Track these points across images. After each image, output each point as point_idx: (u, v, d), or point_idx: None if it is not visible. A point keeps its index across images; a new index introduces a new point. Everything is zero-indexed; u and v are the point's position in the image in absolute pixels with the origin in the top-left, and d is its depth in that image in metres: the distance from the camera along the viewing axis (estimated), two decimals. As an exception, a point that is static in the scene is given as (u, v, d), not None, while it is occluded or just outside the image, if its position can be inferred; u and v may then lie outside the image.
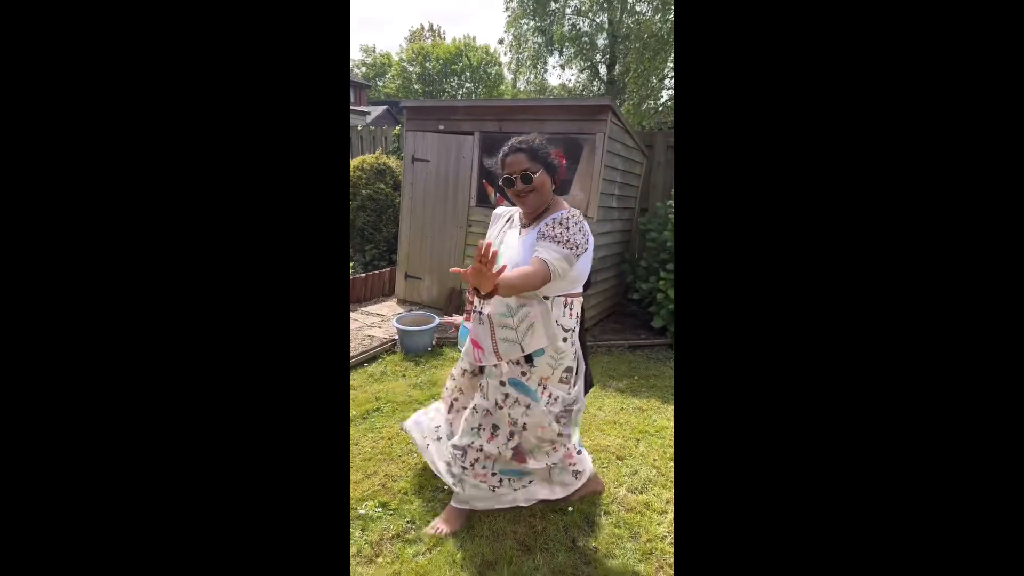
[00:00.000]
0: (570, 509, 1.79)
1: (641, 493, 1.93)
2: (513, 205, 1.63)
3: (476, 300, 1.59)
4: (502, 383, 1.58)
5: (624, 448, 2.27)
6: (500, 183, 1.53)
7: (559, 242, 1.42)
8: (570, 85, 16.40)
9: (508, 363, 1.56)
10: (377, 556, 1.57)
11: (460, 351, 1.71)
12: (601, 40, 13.85)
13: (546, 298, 1.49)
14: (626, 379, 3.12)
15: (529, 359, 1.53)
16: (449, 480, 1.70)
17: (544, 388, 1.58)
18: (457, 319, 2.14)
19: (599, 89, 14.46)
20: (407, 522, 1.72)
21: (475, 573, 1.51)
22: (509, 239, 1.60)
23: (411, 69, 26.22)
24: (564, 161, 1.56)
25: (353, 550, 1.58)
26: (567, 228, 1.44)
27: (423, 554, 1.58)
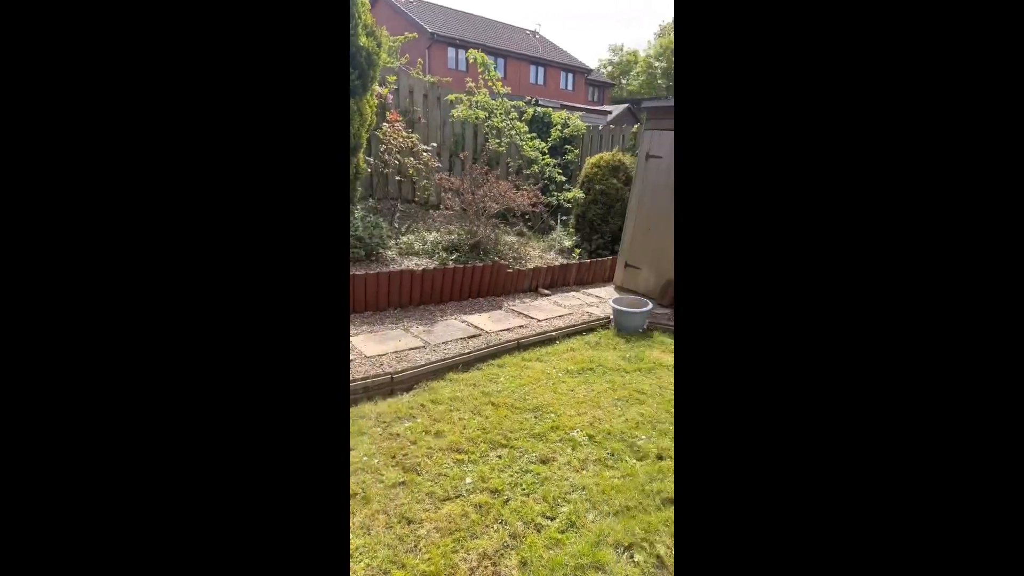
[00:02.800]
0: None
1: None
2: None
3: None
4: None
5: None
6: None
7: None
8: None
9: None
10: (583, 469, 2.01)
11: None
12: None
13: None
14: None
15: None
16: None
17: None
18: None
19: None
20: (607, 453, 2.11)
21: (659, 503, 1.80)
22: None
23: (656, 65, 26.02)
24: None
25: (564, 460, 2.05)
26: None
27: (619, 478, 1.95)
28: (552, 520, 1.72)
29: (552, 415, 2.41)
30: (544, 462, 2.05)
